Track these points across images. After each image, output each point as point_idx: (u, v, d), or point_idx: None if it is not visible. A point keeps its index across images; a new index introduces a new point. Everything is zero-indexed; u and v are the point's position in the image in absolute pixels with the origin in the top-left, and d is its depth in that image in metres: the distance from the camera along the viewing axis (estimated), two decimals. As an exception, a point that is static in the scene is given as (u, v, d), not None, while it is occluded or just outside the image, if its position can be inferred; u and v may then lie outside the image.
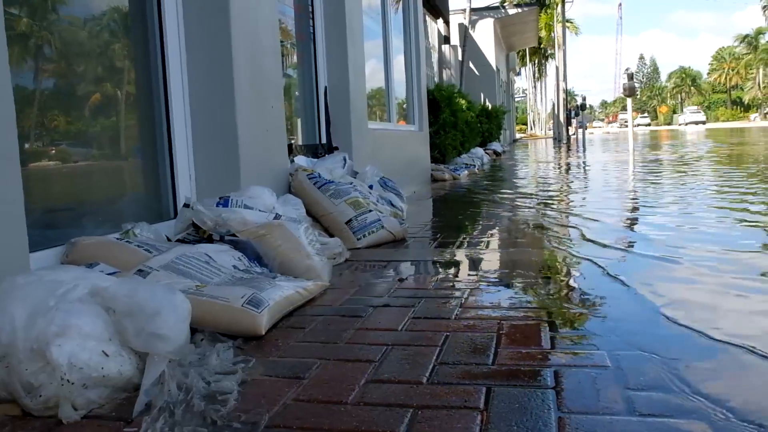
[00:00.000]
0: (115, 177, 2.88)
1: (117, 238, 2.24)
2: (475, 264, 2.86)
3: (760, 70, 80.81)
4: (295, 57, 4.72)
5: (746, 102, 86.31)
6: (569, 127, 26.17)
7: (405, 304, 2.14)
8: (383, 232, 3.32)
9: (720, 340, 1.67)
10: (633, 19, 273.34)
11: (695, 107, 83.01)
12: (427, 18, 16.05)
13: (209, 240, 2.41)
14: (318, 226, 3.34)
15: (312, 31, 4.69)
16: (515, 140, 34.74)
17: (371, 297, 2.28)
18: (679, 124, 66.50)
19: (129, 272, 1.95)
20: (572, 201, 5.49)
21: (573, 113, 26.30)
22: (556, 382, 1.43)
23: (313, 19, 4.69)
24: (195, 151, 2.98)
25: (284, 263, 2.36)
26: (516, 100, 56.16)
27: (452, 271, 2.75)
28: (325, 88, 4.68)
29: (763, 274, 2.42)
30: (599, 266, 2.61)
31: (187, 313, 1.58)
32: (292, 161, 3.80)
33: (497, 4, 27.51)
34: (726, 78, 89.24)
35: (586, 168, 9.99)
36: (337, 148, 4.59)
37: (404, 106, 7.70)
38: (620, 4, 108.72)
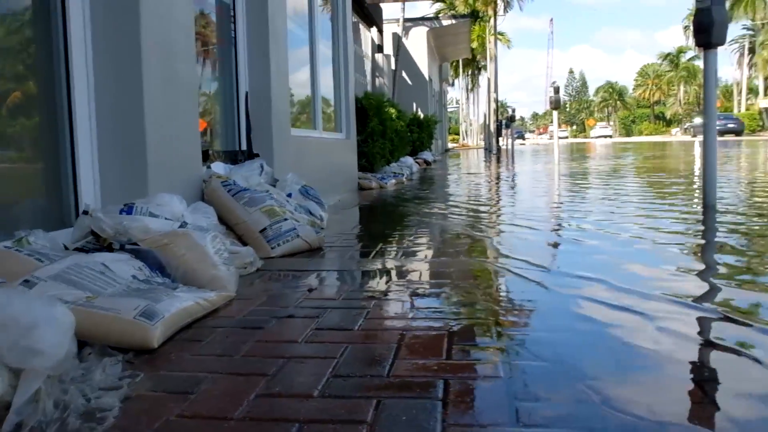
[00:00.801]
0: (10, 181, 2.73)
1: (6, 246, 2.12)
2: (388, 274, 2.84)
3: (681, 87, 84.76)
4: (215, 61, 4.62)
5: (668, 117, 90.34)
6: (500, 138, 26.74)
7: (310, 315, 2.11)
8: (298, 240, 3.28)
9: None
10: (563, 34, 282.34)
11: (604, 123, 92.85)
12: (361, 26, 16.09)
13: (109, 249, 2.32)
14: (232, 234, 3.28)
15: (234, 34, 4.61)
16: (447, 150, 35.25)
17: (277, 308, 2.24)
18: (592, 137, 77.59)
19: (14, 282, 1.85)
20: (494, 210, 5.57)
21: (504, 124, 26.91)
22: (446, 393, 1.43)
23: (234, 22, 4.61)
24: (100, 155, 2.87)
25: (188, 273, 2.29)
26: (449, 110, 57.05)
27: (364, 280, 2.73)
28: (246, 93, 4.61)
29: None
30: (520, 276, 2.64)
31: (68, 326, 1.50)
32: (209, 167, 3.71)
33: (431, 15, 27.90)
34: (650, 93, 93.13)
35: (514, 177, 10.20)
36: (257, 155, 4.52)
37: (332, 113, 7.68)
38: (551, 20, 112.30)
